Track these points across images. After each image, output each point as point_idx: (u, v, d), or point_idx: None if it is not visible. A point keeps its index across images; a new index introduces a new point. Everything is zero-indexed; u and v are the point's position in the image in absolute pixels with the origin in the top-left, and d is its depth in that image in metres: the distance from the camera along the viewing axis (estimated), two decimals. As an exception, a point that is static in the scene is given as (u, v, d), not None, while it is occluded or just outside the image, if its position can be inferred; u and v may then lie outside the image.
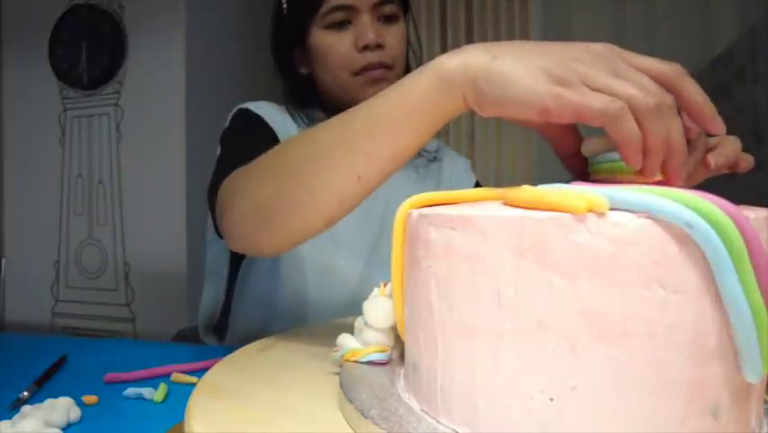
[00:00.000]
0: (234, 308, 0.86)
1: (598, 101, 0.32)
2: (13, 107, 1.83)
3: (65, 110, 1.77)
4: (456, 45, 2.06)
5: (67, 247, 1.77)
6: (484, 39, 2.06)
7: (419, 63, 0.86)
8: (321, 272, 0.81)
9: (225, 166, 0.60)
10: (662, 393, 0.25)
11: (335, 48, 0.78)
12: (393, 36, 0.79)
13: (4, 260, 1.82)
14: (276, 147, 0.50)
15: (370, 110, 0.42)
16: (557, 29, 1.97)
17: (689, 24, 1.76)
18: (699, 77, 1.65)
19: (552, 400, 0.26)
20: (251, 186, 0.50)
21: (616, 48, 0.35)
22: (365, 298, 0.42)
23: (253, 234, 0.50)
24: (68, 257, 1.77)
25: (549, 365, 0.26)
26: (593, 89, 0.32)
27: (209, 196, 0.65)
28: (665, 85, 0.33)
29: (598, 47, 0.35)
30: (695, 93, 0.34)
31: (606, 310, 0.25)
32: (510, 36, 2.03)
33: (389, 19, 0.79)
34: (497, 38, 2.04)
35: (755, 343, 0.24)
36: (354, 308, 0.57)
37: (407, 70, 0.84)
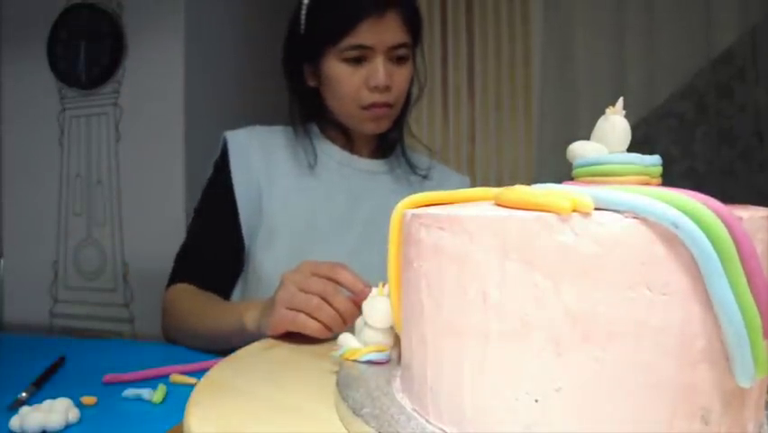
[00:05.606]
0: None
1: (297, 322, 0.57)
2: (11, 107, 1.82)
3: (63, 110, 1.76)
4: (456, 45, 2.06)
5: (65, 247, 1.76)
6: (485, 39, 2.06)
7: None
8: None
9: (183, 254, 0.94)
10: (648, 396, 0.24)
11: (347, 81, 0.80)
12: (400, 77, 0.82)
13: (2, 260, 1.81)
14: (190, 302, 0.81)
15: (214, 320, 0.72)
16: (558, 29, 1.96)
17: (689, 24, 1.75)
18: (700, 77, 1.65)
19: (536, 401, 0.25)
20: (176, 313, 0.81)
21: (304, 267, 0.60)
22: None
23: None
24: (66, 257, 1.76)
25: (534, 367, 0.25)
26: (300, 307, 0.57)
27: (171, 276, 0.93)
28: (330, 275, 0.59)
29: (294, 276, 0.59)
30: (349, 277, 0.58)
31: (591, 312, 0.24)
32: (511, 36, 2.02)
33: (400, 60, 0.82)
34: (497, 38, 2.04)
35: (747, 346, 0.24)
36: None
37: (407, 102, 0.90)
